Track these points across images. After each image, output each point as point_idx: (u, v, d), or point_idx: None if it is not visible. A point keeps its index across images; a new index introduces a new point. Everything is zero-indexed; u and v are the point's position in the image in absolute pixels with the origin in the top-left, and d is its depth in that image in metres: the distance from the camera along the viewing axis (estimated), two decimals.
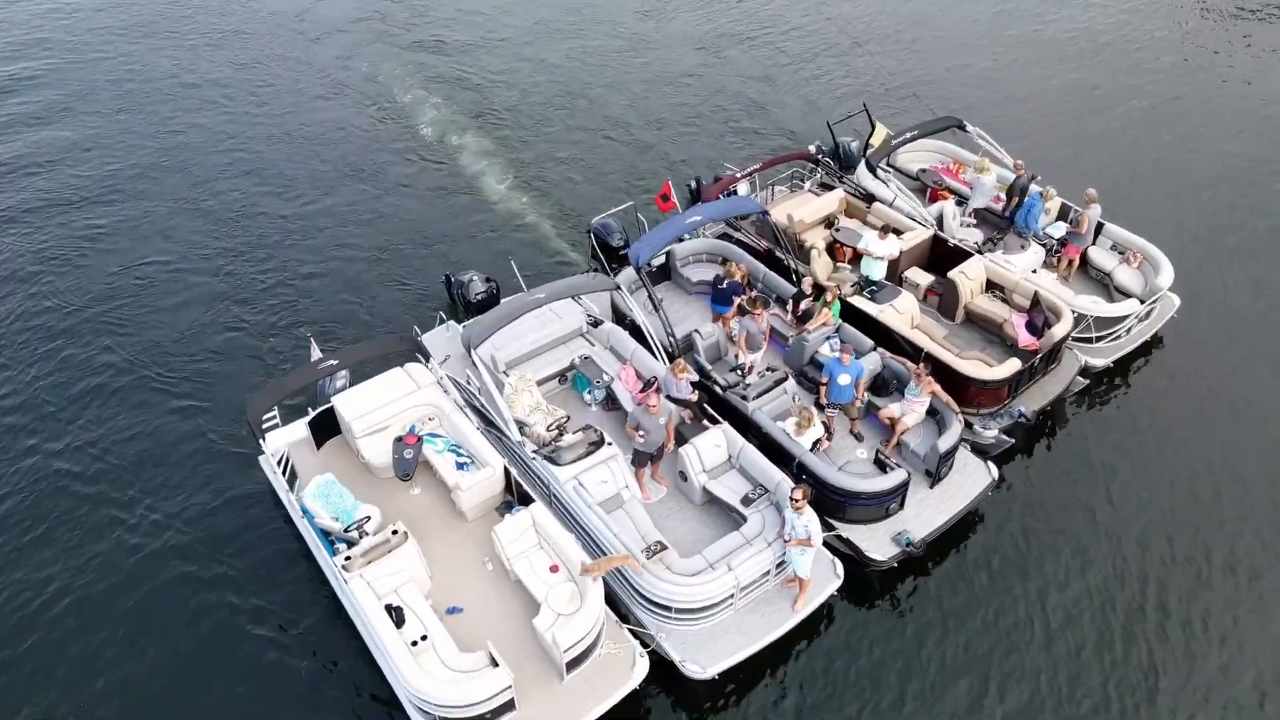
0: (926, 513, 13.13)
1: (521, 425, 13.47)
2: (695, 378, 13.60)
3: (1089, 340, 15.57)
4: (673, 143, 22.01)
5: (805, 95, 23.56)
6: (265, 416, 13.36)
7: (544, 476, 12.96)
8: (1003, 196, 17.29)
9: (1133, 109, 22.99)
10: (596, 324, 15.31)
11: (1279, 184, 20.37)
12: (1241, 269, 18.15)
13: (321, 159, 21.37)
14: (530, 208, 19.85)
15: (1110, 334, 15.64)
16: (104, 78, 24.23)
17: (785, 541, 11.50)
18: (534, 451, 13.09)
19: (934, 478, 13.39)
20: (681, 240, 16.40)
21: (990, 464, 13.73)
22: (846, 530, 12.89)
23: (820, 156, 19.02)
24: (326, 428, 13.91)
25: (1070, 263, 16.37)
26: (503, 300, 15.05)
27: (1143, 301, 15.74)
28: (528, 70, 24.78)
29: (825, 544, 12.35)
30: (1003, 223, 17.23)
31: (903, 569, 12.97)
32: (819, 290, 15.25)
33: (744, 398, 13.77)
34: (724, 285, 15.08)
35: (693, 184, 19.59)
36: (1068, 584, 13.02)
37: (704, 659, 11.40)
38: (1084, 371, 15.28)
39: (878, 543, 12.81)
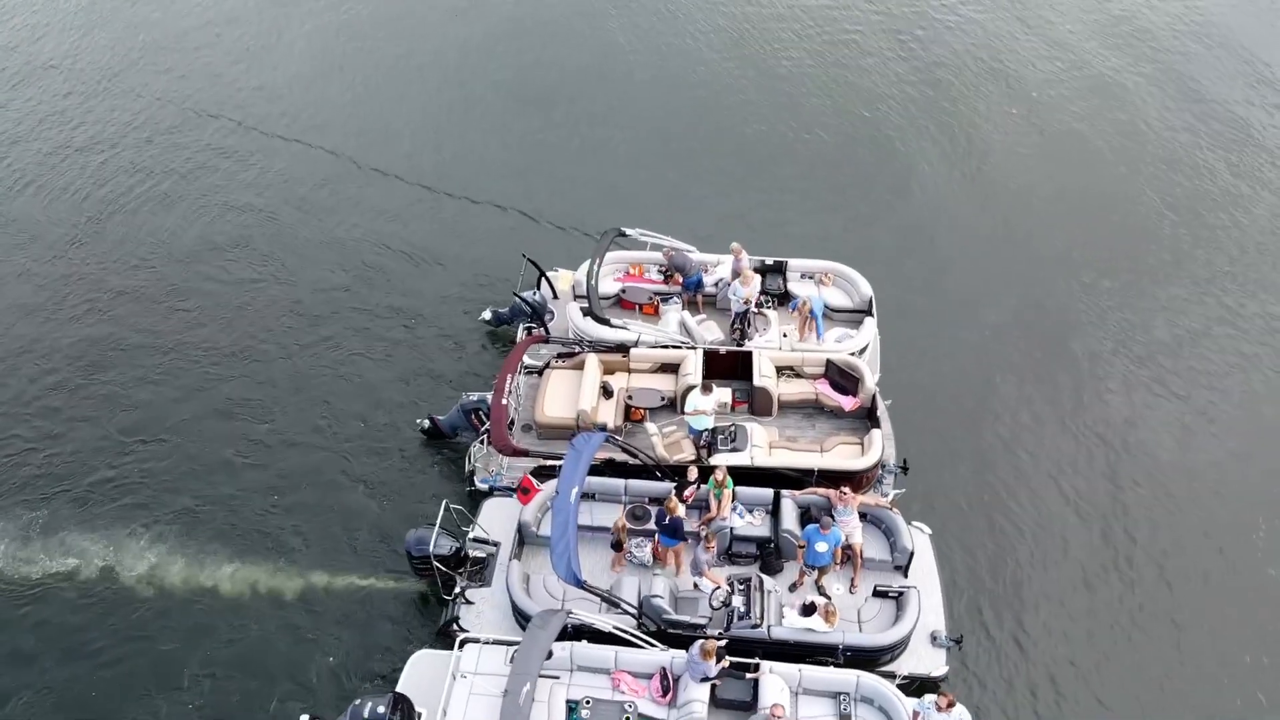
0: (924, 601, 14.30)
1: None
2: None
3: None
4: (391, 395, 18.64)
5: (442, 277, 21.20)
6: None
7: None
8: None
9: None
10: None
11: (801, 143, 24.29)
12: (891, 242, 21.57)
13: None
14: (297, 580, 15.76)
15: (863, 350, 17.89)
16: None
17: None
18: None
19: (905, 569, 14.56)
20: None
21: (917, 524, 15.27)
22: (900, 668, 13.58)
23: (534, 327, 18.09)
24: None
25: (806, 321, 17.87)
26: None
27: (871, 314, 18.13)
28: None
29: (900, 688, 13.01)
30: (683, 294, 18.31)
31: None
32: (703, 472, 14.93)
33: (756, 626, 13.30)
34: (667, 522, 14.04)
35: (425, 423, 17.33)
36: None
37: None
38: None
39: (928, 659, 13.76)
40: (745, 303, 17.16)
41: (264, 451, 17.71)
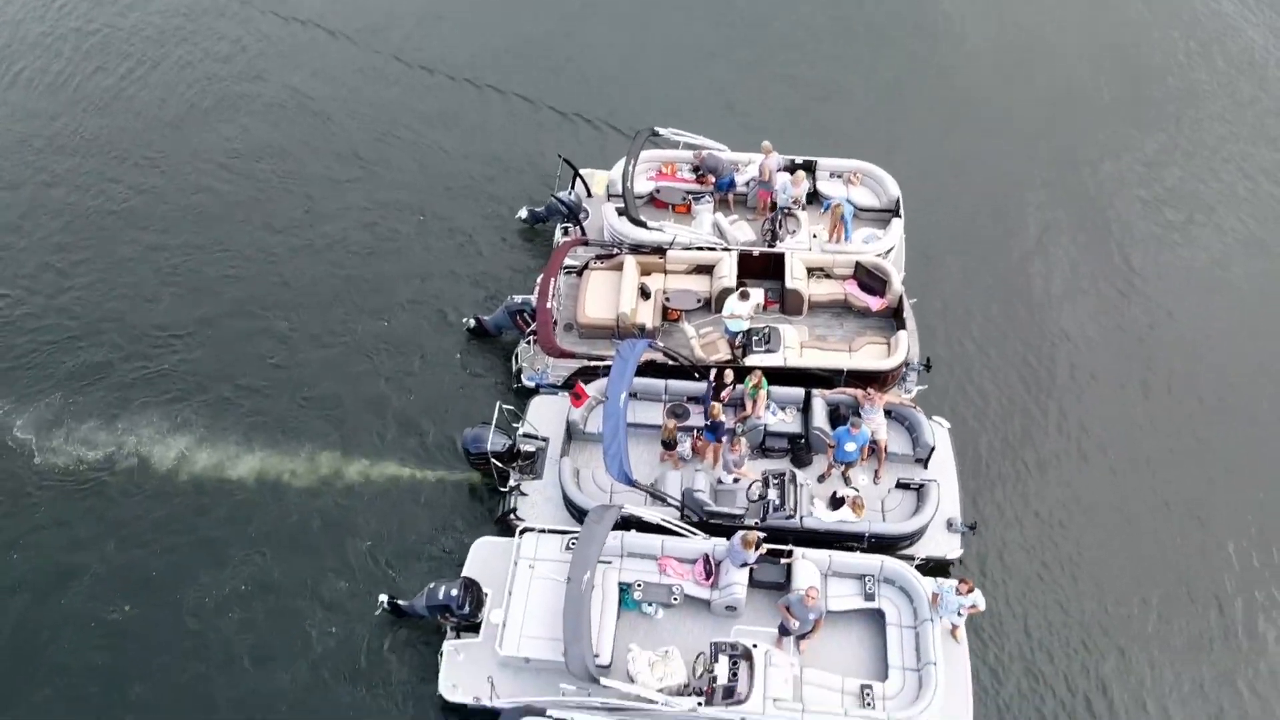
0: (941, 491, 15.51)
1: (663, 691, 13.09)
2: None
3: None
4: (428, 293, 19.23)
5: (475, 171, 21.47)
6: None
7: None
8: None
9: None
10: None
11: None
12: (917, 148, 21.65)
13: None
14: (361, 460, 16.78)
15: (889, 249, 18.49)
16: None
17: (960, 616, 13.28)
18: (702, 705, 12.92)
19: (926, 462, 15.74)
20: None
21: (937, 419, 16.34)
22: (918, 552, 14.95)
23: (570, 226, 18.67)
24: None
25: (837, 223, 18.37)
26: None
27: (898, 214, 18.61)
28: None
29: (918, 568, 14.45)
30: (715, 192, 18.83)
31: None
32: (738, 373, 15.89)
33: (789, 517, 14.58)
34: (710, 423, 15.20)
35: (471, 322, 18.15)
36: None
37: None
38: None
39: (944, 544, 15.10)
40: (794, 201, 17.95)
41: (302, 346, 18.50)
